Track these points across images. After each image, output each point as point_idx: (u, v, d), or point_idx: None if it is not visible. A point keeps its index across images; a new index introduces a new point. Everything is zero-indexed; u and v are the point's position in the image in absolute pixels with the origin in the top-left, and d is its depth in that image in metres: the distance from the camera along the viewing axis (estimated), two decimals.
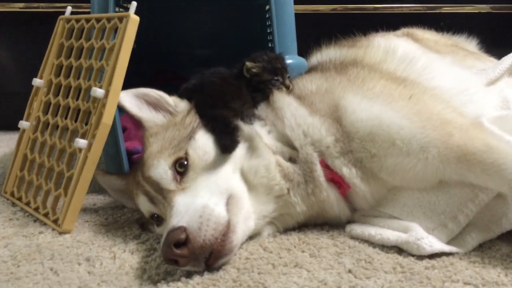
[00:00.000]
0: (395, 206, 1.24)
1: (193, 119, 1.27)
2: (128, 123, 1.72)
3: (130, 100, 1.34)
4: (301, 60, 1.59)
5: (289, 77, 1.42)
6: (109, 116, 1.30)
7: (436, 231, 1.15)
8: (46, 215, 1.37)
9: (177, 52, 2.61)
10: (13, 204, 1.52)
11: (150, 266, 1.08)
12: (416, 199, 1.21)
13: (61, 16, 1.62)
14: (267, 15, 1.93)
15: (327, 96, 1.31)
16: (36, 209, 1.42)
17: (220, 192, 1.12)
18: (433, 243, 1.10)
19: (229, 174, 1.18)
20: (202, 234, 1.00)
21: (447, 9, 2.88)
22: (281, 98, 1.34)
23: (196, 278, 1.01)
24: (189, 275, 1.03)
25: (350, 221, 1.29)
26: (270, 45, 2.01)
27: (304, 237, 1.22)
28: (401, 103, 1.23)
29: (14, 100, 2.17)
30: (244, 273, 1.03)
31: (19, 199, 1.52)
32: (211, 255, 1.02)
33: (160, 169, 1.17)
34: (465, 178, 1.14)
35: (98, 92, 1.30)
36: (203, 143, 1.20)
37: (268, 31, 2.08)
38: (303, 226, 1.28)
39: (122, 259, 1.13)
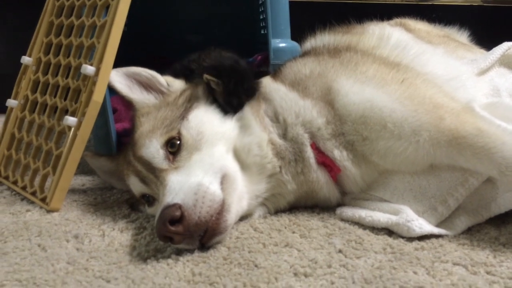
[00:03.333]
0: (386, 190, 1.24)
1: (186, 99, 1.26)
2: (119, 105, 1.69)
3: (120, 79, 1.32)
4: (294, 44, 1.58)
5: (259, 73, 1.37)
6: (99, 93, 1.28)
7: (426, 214, 1.16)
8: (33, 193, 1.35)
9: (168, 38, 2.59)
10: (0, 183, 1.50)
11: (140, 244, 1.07)
12: (407, 182, 1.22)
13: None
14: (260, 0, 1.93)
15: (319, 79, 1.30)
16: (24, 188, 1.40)
17: (214, 172, 1.11)
18: (422, 225, 1.11)
19: (223, 154, 1.17)
20: (197, 211, 1.00)
21: (439, 1, 2.89)
22: (268, 84, 1.33)
23: (187, 256, 1.01)
24: (179, 252, 1.02)
25: (341, 204, 1.29)
26: (262, 31, 2.00)
27: (294, 219, 1.22)
28: (394, 86, 1.23)
29: (2, 82, 2.13)
30: (235, 251, 1.03)
31: (6, 178, 1.50)
32: (205, 233, 1.02)
33: (152, 148, 1.16)
34: (456, 162, 1.14)
35: (88, 69, 1.28)
36: (197, 123, 1.19)
37: (261, 17, 2.07)
38: (294, 208, 1.28)
39: (111, 236, 1.12)
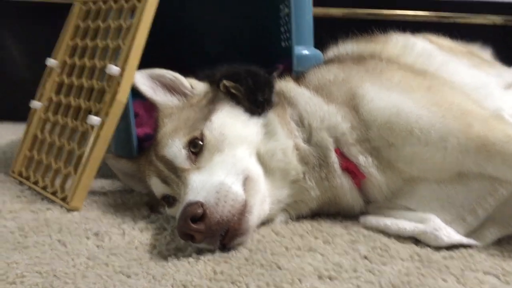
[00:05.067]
0: (412, 198, 1.21)
1: (210, 101, 1.26)
2: (140, 110, 1.70)
3: (145, 81, 1.33)
4: (317, 52, 1.58)
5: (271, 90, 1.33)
6: (123, 93, 1.28)
7: (454, 224, 1.12)
8: (54, 193, 1.35)
9: (187, 49, 2.61)
10: (21, 183, 1.50)
11: (160, 243, 1.06)
12: (434, 191, 1.19)
13: None
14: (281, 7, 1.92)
15: (343, 85, 1.29)
16: (44, 188, 1.40)
17: (236, 173, 1.10)
18: (451, 234, 1.08)
19: (246, 157, 1.16)
20: (220, 210, 0.98)
21: (461, 20, 2.87)
22: (292, 88, 1.32)
23: (208, 255, 0.99)
24: (200, 252, 1.00)
25: (364, 213, 1.26)
26: (283, 44, 2.00)
27: (317, 225, 1.19)
28: (420, 93, 1.21)
29: (21, 89, 2.15)
30: (257, 253, 1.01)
31: (27, 178, 1.50)
32: (227, 234, 1.00)
33: (175, 147, 1.15)
34: (484, 169, 1.11)
35: (113, 69, 1.29)
36: (220, 125, 1.19)
37: (283, 29, 2.07)
38: (316, 215, 1.26)
39: (132, 235, 1.10)
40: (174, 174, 1.15)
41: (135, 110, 1.66)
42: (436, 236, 1.07)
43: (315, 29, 1.73)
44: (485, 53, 2.27)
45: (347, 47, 1.59)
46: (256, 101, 1.20)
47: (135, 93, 1.53)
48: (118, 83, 1.29)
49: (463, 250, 1.05)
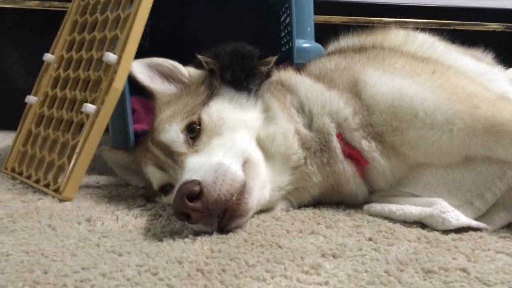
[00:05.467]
0: (417, 185, 1.16)
1: (208, 87, 1.23)
2: (138, 105, 1.67)
3: (142, 70, 1.30)
4: (318, 45, 1.56)
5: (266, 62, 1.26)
6: (120, 81, 1.25)
7: (462, 208, 1.08)
8: (47, 186, 1.31)
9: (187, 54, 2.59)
10: (13, 179, 1.45)
11: (155, 227, 1.01)
12: (440, 176, 1.14)
13: None
14: (283, 10, 1.92)
15: (345, 72, 1.26)
16: (37, 181, 1.36)
17: (236, 155, 1.05)
18: (459, 216, 1.03)
19: (245, 141, 1.12)
20: (217, 188, 0.94)
21: (460, 27, 2.87)
22: (292, 76, 1.29)
23: (205, 236, 0.94)
24: (197, 234, 0.95)
25: (368, 202, 1.21)
26: (284, 48, 1.98)
27: (319, 212, 1.14)
28: (424, 76, 1.18)
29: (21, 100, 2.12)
30: (256, 235, 0.96)
31: (20, 173, 1.46)
32: (225, 215, 0.95)
33: (172, 132, 1.12)
34: (492, 151, 1.08)
35: (110, 56, 1.26)
36: (218, 109, 1.16)
37: (282, 34, 2.05)
38: (318, 204, 1.21)
39: (125, 220, 1.06)
40: (171, 159, 1.11)
41: (133, 106, 1.64)
42: (443, 218, 1.02)
43: (317, 35, 1.71)
44: (487, 58, 2.25)
45: (348, 40, 1.56)
46: (233, 75, 1.15)
47: (134, 89, 1.51)
48: (115, 71, 1.26)
49: (472, 233, 1.00)
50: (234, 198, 0.96)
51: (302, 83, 1.26)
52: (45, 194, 1.27)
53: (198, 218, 0.92)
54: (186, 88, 1.26)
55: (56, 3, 2.61)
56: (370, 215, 1.13)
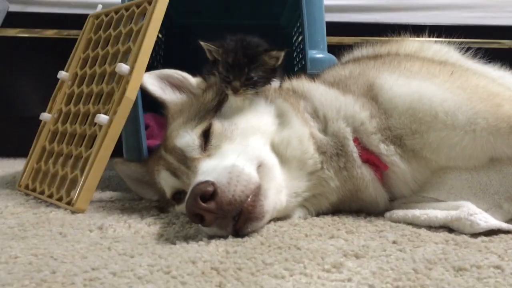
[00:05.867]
0: (441, 189, 1.12)
1: (219, 93, 1.21)
2: (151, 121, 1.66)
3: (153, 82, 1.31)
4: (331, 55, 1.54)
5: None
6: (133, 90, 1.24)
7: (490, 211, 1.03)
8: (60, 199, 1.28)
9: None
10: (27, 195, 1.43)
11: (168, 232, 0.97)
12: (465, 180, 1.10)
13: (91, 14, 1.63)
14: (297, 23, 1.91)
15: (360, 78, 1.24)
16: (50, 196, 1.33)
17: (249, 158, 1.02)
18: (488, 219, 0.97)
19: (259, 146, 1.09)
20: (232, 189, 0.90)
21: (476, 45, 2.84)
22: (305, 84, 1.27)
23: (220, 240, 0.89)
24: (211, 237, 0.91)
25: (389, 210, 1.16)
26: (296, 68, 1.97)
27: (338, 219, 1.10)
28: (442, 77, 1.15)
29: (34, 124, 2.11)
30: (274, 238, 0.91)
31: (33, 190, 1.44)
32: (240, 217, 0.91)
33: (187, 137, 1.10)
34: None
35: (123, 67, 1.26)
36: (230, 114, 1.14)
37: (294, 54, 2.04)
38: (337, 212, 1.16)
39: (138, 227, 1.02)
40: (184, 165, 1.08)
41: (146, 122, 1.63)
42: (471, 221, 0.96)
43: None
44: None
45: (362, 50, 1.54)
46: (235, 59, 1.09)
47: (147, 107, 1.51)
48: (128, 82, 1.26)
49: (503, 235, 0.94)
50: (249, 200, 0.92)
51: (316, 89, 1.24)
52: (58, 207, 1.25)
53: (212, 219, 0.88)
54: (197, 97, 1.25)
55: (74, 31, 2.64)
56: (393, 221, 1.08)
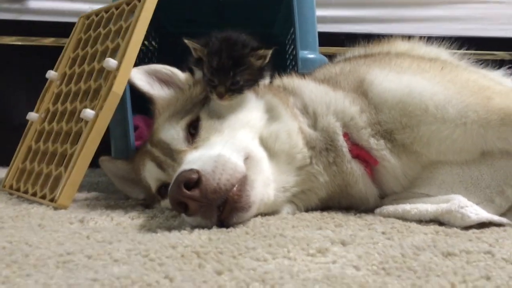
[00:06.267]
0: (432, 184, 1.09)
1: (206, 88, 1.19)
2: (141, 123, 1.63)
3: (141, 77, 1.29)
4: (322, 56, 1.53)
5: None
6: (120, 85, 1.22)
7: (482, 205, 1.00)
8: (43, 197, 1.25)
9: None
10: (10, 194, 1.40)
11: (150, 224, 0.94)
12: (456, 175, 1.08)
13: (82, 15, 1.62)
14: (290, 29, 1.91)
15: (351, 74, 1.22)
16: (34, 195, 1.30)
17: (237, 149, 1.00)
18: (479, 211, 0.95)
19: (247, 139, 1.07)
20: (217, 177, 0.88)
21: (470, 56, 2.86)
22: (295, 80, 1.26)
23: (204, 230, 0.86)
24: (194, 228, 0.88)
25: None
26: None
27: (327, 214, 1.07)
28: (433, 72, 1.14)
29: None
30: (260, 228, 0.88)
31: (17, 189, 1.41)
32: (225, 207, 0.88)
33: (172, 130, 1.09)
34: (510, 143, 1.02)
35: (111, 62, 1.24)
36: (218, 108, 1.12)
37: (287, 63, 2.04)
38: (327, 208, 1.13)
39: (120, 220, 0.99)
40: (170, 158, 1.06)
41: (135, 123, 1.60)
42: (462, 214, 0.94)
43: None
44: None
45: (354, 51, 1.54)
46: (219, 63, 1.05)
47: (137, 108, 1.49)
48: (115, 77, 1.24)
49: (495, 228, 0.92)
50: (235, 189, 0.90)
51: (306, 85, 1.22)
52: (41, 204, 1.21)
53: (196, 208, 0.86)
54: (185, 91, 1.23)
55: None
56: (383, 216, 1.06)
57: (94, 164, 1.26)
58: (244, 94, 1.11)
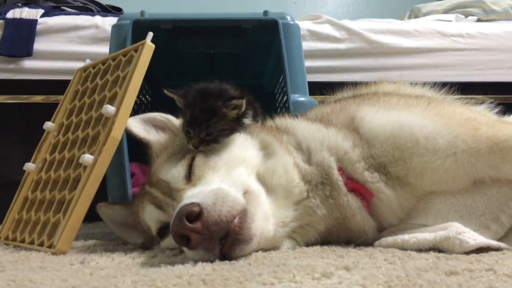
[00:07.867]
0: (428, 215, 1.11)
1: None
2: (137, 170, 1.66)
3: (137, 125, 1.33)
4: (312, 99, 1.59)
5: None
6: (118, 130, 1.25)
7: (478, 232, 1.02)
8: (41, 244, 1.24)
9: None
10: (7, 245, 1.38)
11: (153, 261, 0.94)
12: (451, 204, 1.10)
13: (79, 67, 1.68)
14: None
15: (342, 113, 1.27)
16: (31, 243, 1.29)
17: (235, 185, 1.02)
18: (476, 237, 0.97)
19: (244, 175, 1.10)
20: (217, 209, 0.89)
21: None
22: (287, 120, 1.30)
23: (206, 263, 0.86)
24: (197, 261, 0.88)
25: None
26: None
27: (328, 248, 1.08)
28: (420, 107, 1.19)
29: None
30: (263, 259, 0.89)
31: (14, 240, 1.39)
32: (227, 240, 0.89)
33: (173, 169, 1.11)
34: (500, 171, 1.05)
35: (109, 108, 1.28)
36: (214, 147, 1.14)
37: (278, 110, 2.09)
38: (326, 243, 1.14)
39: (122, 260, 0.99)
40: (169, 197, 1.07)
41: (132, 170, 1.62)
42: (460, 240, 0.96)
43: None
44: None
45: (343, 93, 1.60)
46: (192, 116, 1.09)
47: (133, 156, 1.52)
48: (113, 122, 1.27)
49: (493, 253, 0.93)
50: (236, 221, 0.91)
51: (298, 124, 1.27)
52: (39, 251, 1.20)
53: (198, 240, 0.86)
54: (180, 135, 1.27)
55: (61, 97, 2.69)
56: (383, 247, 1.07)
57: (87, 217, 1.25)
58: (232, 136, 1.15)
